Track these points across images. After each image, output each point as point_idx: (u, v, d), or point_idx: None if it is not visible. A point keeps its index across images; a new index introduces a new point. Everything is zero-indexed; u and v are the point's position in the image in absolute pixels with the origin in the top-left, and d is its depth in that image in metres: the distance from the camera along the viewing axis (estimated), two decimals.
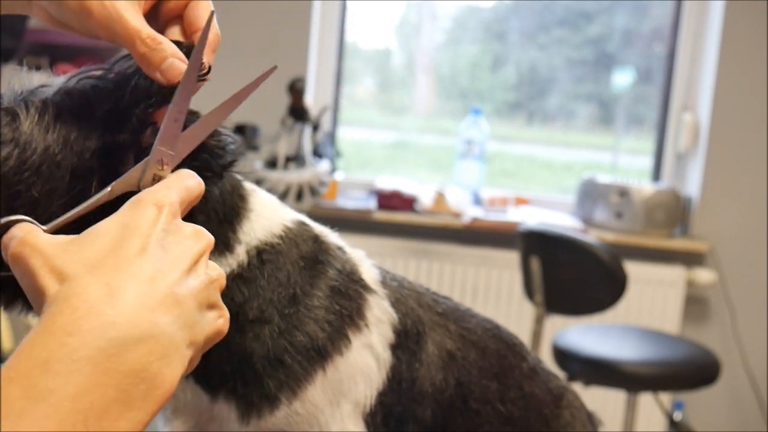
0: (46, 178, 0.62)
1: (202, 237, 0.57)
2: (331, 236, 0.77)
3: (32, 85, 0.66)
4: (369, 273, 0.77)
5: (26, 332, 2.77)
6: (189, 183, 0.59)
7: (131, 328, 0.49)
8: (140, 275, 0.52)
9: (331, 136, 3.39)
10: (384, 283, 0.78)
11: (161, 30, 0.64)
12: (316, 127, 3.05)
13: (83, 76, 0.66)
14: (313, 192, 2.93)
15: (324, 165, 3.05)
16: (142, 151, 0.63)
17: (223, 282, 0.58)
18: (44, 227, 0.57)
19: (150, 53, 0.60)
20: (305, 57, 3.22)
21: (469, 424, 0.78)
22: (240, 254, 0.71)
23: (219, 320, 0.57)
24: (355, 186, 3.43)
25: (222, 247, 0.70)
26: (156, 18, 0.65)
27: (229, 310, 0.70)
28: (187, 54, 0.62)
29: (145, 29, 0.61)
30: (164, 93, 0.61)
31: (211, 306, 0.57)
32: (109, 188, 0.59)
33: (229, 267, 0.70)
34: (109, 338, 0.48)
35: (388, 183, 3.29)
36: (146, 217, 0.54)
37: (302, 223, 0.75)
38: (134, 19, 0.61)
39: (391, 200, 3.19)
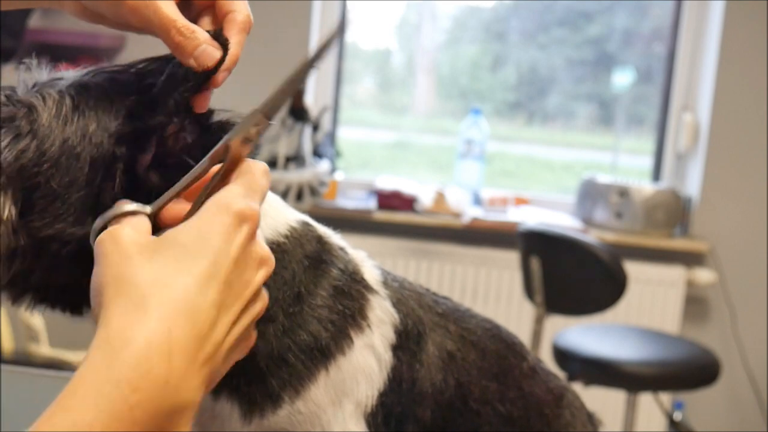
0: (65, 170, 0.62)
1: (267, 264, 0.59)
2: (334, 237, 0.78)
3: (45, 78, 0.66)
4: (371, 273, 0.77)
5: (27, 332, 2.76)
6: (265, 184, 0.60)
7: (178, 396, 0.50)
8: (199, 321, 0.52)
9: (331, 136, 3.39)
10: (386, 283, 0.78)
11: (194, 19, 0.65)
12: (316, 127, 3.05)
13: (98, 71, 0.67)
14: (313, 192, 2.93)
15: (324, 165, 3.05)
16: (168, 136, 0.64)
17: (264, 310, 0.60)
18: (149, 209, 0.58)
19: (184, 41, 0.61)
20: (305, 57, 3.22)
21: (469, 424, 0.78)
22: None
23: (245, 348, 0.60)
24: (355, 186, 3.43)
25: None
26: (188, 7, 0.66)
27: None
28: (218, 39, 0.63)
29: (180, 19, 0.62)
30: (201, 78, 0.63)
31: (245, 336, 0.59)
32: (205, 160, 0.60)
33: None
34: (160, 405, 0.49)
35: (388, 183, 3.29)
36: (224, 230, 0.55)
37: (306, 224, 0.76)
38: (168, 7, 0.62)
39: (391, 200, 3.19)
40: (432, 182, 3.41)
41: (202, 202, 0.58)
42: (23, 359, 2.53)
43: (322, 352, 0.71)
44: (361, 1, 3.54)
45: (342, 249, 0.77)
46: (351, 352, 0.72)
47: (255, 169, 0.60)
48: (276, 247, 0.71)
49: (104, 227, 0.58)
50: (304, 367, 0.70)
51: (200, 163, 0.60)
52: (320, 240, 0.75)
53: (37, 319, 2.57)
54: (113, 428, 0.47)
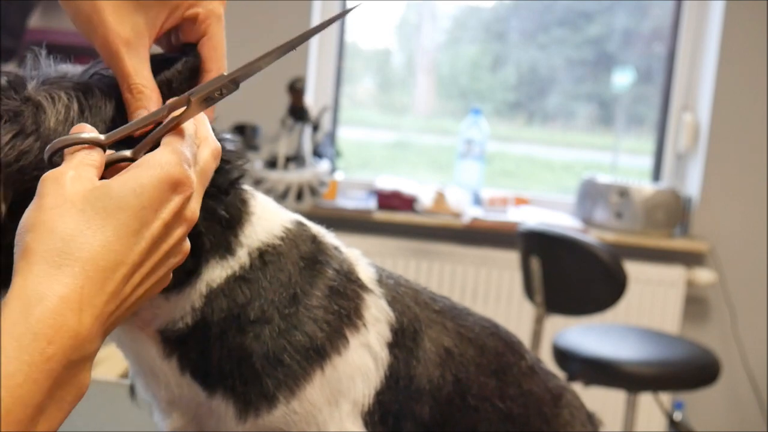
0: None
1: (190, 221, 0.61)
2: (328, 236, 0.78)
3: (53, 75, 0.66)
4: (365, 272, 0.77)
5: None
6: (211, 164, 0.63)
7: (85, 348, 0.54)
8: (112, 280, 0.55)
9: (331, 136, 3.39)
10: (380, 281, 0.78)
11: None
12: (316, 127, 3.05)
13: (100, 72, 0.68)
14: (313, 192, 2.93)
15: (324, 165, 3.05)
16: None
17: (182, 260, 0.62)
18: (103, 137, 0.60)
19: (130, 99, 0.65)
20: (305, 57, 3.22)
21: (468, 421, 0.78)
22: (242, 257, 0.71)
23: (155, 292, 0.62)
24: (355, 186, 3.43)
25: (224, 251, 0.70)
26: (178, 34, 0.69)
27: (231, 311, 0.70)
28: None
29: (136, 74, 0.65)
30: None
31: (158, 283, 0.61)
32: (165, 107, 0.62)
33: (231, 269, 0.70)
34: (70, 357, 0.53)
35: (388, 183, 3.29)
36: (159, 192, 0.58)
37: (300, 224, 0.76)
38: (132, 58, 0.66)
39: (391, 200, 3.19)
40: (432, 182, 3.41)
41: (150, 144, 0.61)
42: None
43: (318, 352, 0.71)
44: (361, 0, 3.54)
45: (336, 248, 0.77)
46: (347, 352, 0.72)
47: (207, 146, 0.63)
48: (272, 249, 0.71)
49: (60, 150, 0.59)
50: (300, 367, 0.70)
51: (159, 108, 0.63)
52: (315, 240, 0.75)
53: None
54: (32, 377, 0.51)
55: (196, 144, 0.63)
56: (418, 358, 0.76)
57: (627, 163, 3.70)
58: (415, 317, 0.77)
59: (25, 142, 0.62)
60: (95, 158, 0.59)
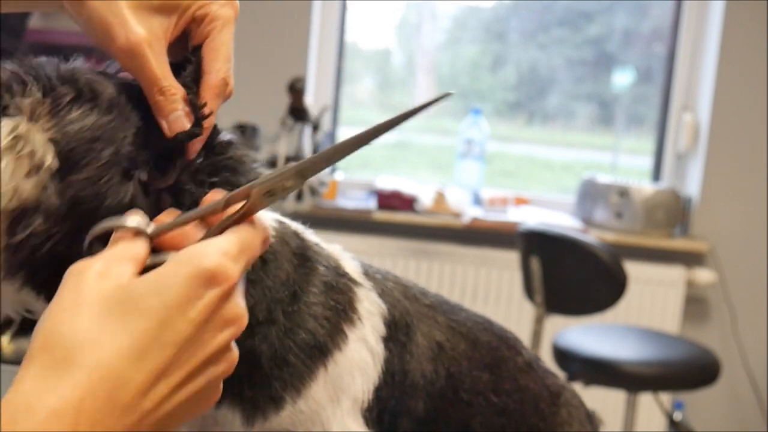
0: (117, 146, 0.61)
1: (238, 321, 0.54)
2: (308, 232, 0.78)
3: (66, 71, 0.65)
4: (351, 266, 0.77)
5: None
6: (257, 250, 0.56)
7: None
8: (124, 391, 0.48)
9: (331, 136, 3.39)
10: (367, 275, 0.78)
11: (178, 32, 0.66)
12: (316, 127, 3.05)
13: (113, 74, 0.67)
14: (313, 192, 2.93)
15: None
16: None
17: (230, 370, 0.55)
18: (149, 230, 0.55)
19: (163, 102, 0.62)
20: (305, 57, 3.22)
21: (461, 415, 0.78)
22: None
23: (206, 403, 0.55)
24: (355, 186, 3.43)
25: None
26: (186, 40, 0.67)
27: None
28: (194, 109, 0.63)
29: (164, 78, 0.62)
30: (174, 143, 0.63)
31: (205, 395, 0.54)
32: (222, 200, 0.57)
33: None
34: None
35: (388, 183, 3.29)
36: (185, 289, 0.50)
37: (281, 222, 0.75)
38: (157, 60, 0.62)
39: (391, 200, 3.19)
40: (432, 182, 3.41)
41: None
42: (23, 359, 2.52)
43: (321, 350, 0.71)
44: (361, 0, 3.54)
45: (317, 244, 0.77)
46: (346, 347, 0.72)
47: (257, 233, 0.57)
48: (268, 249, 0.71)
49: (104, 234, 0.55)
50: (305, 366, 0.70)
51: (216, 201, 0.57)
52: (298, 236, 0.75)
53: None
54: None
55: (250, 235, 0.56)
56: (411, 352, 0.76)
57: (627, 163, 3.70)
58: (406, 311, 0.77)
59: (85, 107, 0.61)
60: (137, 251, 0.53)
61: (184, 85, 0.64)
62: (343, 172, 3.44)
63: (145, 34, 0.62)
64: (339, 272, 0.75)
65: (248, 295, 0.69)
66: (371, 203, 3.21)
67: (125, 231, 0.54)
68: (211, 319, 0.51)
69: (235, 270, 0.52)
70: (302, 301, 0.71)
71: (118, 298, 0.50)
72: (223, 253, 0.52)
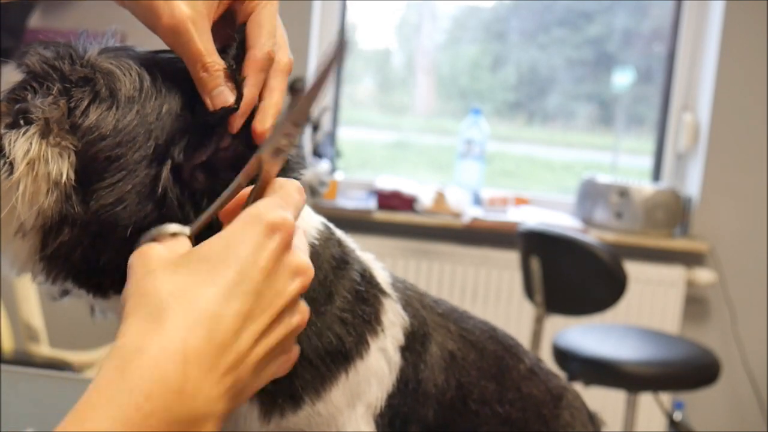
0: (139, 145, 0.61)
1: (304, 273, 0.57)
2: (349, 240, 0.78)
3: (112, 45, 0.65)
4: (382, 276, 0.78)
5: (27, 332, 2.76)
6: (299, 199, 0.60)
7: (195, 405, 0.50)
8: (219, 331, 0.52)
9: (331, 136, 3.39)
10: (394, 285, 0.78)
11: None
12: (316, 127, 3.05)
13: (158, 52, 0.67)
14: (313, 192, 2.93)
15: (324, 165, 3.05)
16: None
17: (304, 324, 0.59)
18: (188, 230, 0.58)
19: (206, 78, 0.62)
20: (305, 57, 3.22)
21: (468, 424, 0.78)
22: None
23: (284, 362, 0.59)
24: (355, 186, 3.43)
25: None
26: (233, 19, 0.67)
27: None
28: (233, 79, 0.63)
29: (208, 54, 0.63)
30: (218, 117, 0.63)
31: (282, 350, 0.58)
32: (239, 178, 0.59)
33: None
34: (176, 414, 0.49)
35: (388, 183, 3.29)
36: (253, 240, 0.54)
37: (327, 226, 0.76)
38: (201, 37, 0.63)
39: (391, 200, 3.19)
40: (432, 182, 3.41)
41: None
42: (23, 359, 2.52)
43: (345, 356, 0.71)
44: (361, 0, 3.54)
45: (354, 251, 0.77)
46: (367, 356, 0.73)
47: (288, 185, 0.60)
48: (310, 248, 0.71)
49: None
50: (328, 369, 0.70)
51: (234, 182, 0.59)
52: (340, 243, 0.76)
53: (37, 319, 2.57)
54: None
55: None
56: (426, 362, 0.77)
57: (627, 163, 3.70)
58: (424, 321, 0.78)
59: (102, 108, 0.61)
60: (183, 245, 0.57)
61: (226, 62, 0.64)
62: (343, 172, 3.44)
63: (189, 12, 0.62)
64: (371, 282, 0.75)
65: None
66: (371, 203, 3.21)
67: (166, 234, 0.58)
68: (278, 267, 0.55)
69: (289, 218, 0.56)
70: (336, 304, 0.72)
71: (188, 258, 0.54)
72: (276, 206, 0.56)
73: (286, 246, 0.56)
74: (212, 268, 0.53)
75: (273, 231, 0.55)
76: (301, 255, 0.57)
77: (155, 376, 0.48)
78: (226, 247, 0.54)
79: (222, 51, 0.65)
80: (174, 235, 0.57)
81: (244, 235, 0.54)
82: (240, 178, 0.59)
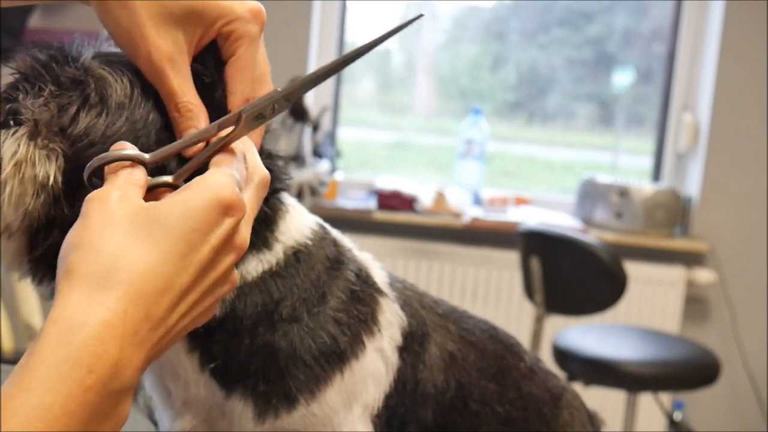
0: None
1: (242, 249, 0.59)
2: (345, 239, 0.78)
3: (102, 49, 0.66)
4: (379, 276, 0.78)
5: (26, 332, 2.76)
6: (264, 187, 0.61)
7: (125, 378, 0.51)
8: (160, 306, 0.53)
9: (331, 136, 3.39)
10: (392, 285, 0.78)
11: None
12: (316, 127, 3.05)
13: None
14: (313, 192, 2.93)
15: (324, 165, 3.05)
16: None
17: (230, 290, 0.60)
18: (147, 156, 0.58)
19: (178, 119, 0.64)
20: (305, 57, 3.22)
21: (469, 424, 0.78)
22: (278, 252, 0.71)
23: (200, 322, 0.59)
24: (355, 186, 3.43)
25: (260, 245, 0.70)
26: (221, 53, 0.68)
27: (266, 307, 0.69)
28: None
29: (182, 94, 0.64)
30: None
31: (204, 313, 0.59)
32: (216, 124, 0.61)
33: (267, 264, 0.70)
34: (110, 388, 0.50)
35: (388, 183, 3.28)
36: (209, 217, 0.55)
37: (322, 226, 0.76)
38: (177, 75, 0.64)
39: (391, 200, 3.18)
40: (432, 182, 3.41)
41: (195, 168, 0.59)
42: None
43: (339, 356, 0.71)
44: (361, 0, 3.54)
45: (351, 251, 0.77)
46: (363, 357, 0.72)
47: (258, 170, 0.61)
48: (304, 248, 0.72)
49: (100, 167, 0.57)
50: (322, 370, 0.70)
51: (208, 126, 0.61)
52: (336, 243, 0.76)
53: (37, 319, 2.57)
54: (69, 409, 0.48)
55: (246, 169, 0.60)
56: (425, 362, 0.76)
57: (627, 163, 3.70)
58: (423, 321, 0.78)
59: (92, 114, 0.61)
60: (139, 178, 0.57)
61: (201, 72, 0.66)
62: (343, 172, 3.44)
63: (166, 49, 0.63)
64: (367, 282, 0.75)
65: (276, 290, 0.69)
66: (371, 203, 3.21)
67: (123, 158, 0.57)
68: (225, 245, 0.56)
69: (246, 202, 0.58)
70: (329, 304, 0.72)
71: (144, 217, 0.54)
72: (238, 184, 0.57)
73: (237, 227, 0.57)
74: (166, 237, 0.53)
75: (228, 210, 0.56)
76: (243, 234, 0.58)
77: (98, 351, 0.49)
78: (183, 218, 0.54)
79: (198, 60, 0.66)
80: (131, 160, 0.57)
81: (201, 210, 0.55)
82: (215, 125, 0.61)
